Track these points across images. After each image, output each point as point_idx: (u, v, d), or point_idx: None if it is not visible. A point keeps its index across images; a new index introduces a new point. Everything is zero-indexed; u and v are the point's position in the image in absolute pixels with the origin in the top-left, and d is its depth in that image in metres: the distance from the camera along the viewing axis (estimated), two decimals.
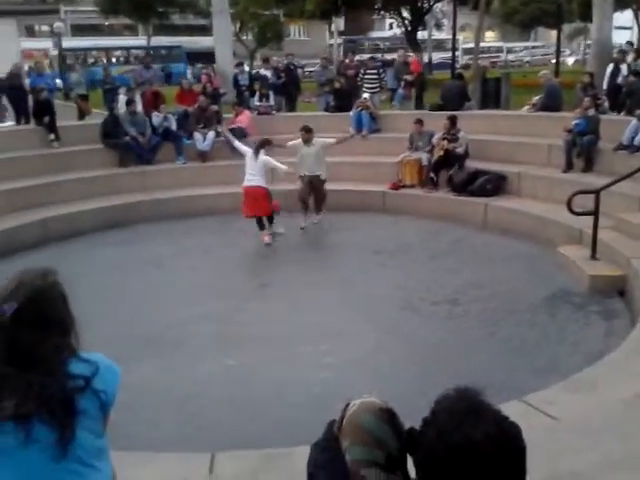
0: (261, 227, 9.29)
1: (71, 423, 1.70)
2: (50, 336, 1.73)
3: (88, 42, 40.24)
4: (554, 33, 37.95)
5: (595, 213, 7.44)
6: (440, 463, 1.22)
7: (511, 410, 1.30)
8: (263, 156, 9.05)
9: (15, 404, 1.66)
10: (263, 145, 9.23)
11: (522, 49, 48.36)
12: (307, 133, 9.75)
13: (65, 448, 1.69)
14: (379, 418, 1.49)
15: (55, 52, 32.99)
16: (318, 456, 1.60)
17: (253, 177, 8.99)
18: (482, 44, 44.12)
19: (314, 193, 9.95)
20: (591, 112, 10.12)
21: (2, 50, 45.98)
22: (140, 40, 42.98)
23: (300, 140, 9.82)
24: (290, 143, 10.01)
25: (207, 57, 23.44)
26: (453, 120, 10.92)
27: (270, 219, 9.30)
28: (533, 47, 49.52)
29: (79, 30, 52.80)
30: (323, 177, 9.94)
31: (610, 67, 13.16)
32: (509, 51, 46.82)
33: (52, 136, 11.60)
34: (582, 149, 9.91)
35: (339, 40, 34.23)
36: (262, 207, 9.09)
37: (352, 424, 1.50)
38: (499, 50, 46.11)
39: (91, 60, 36.04)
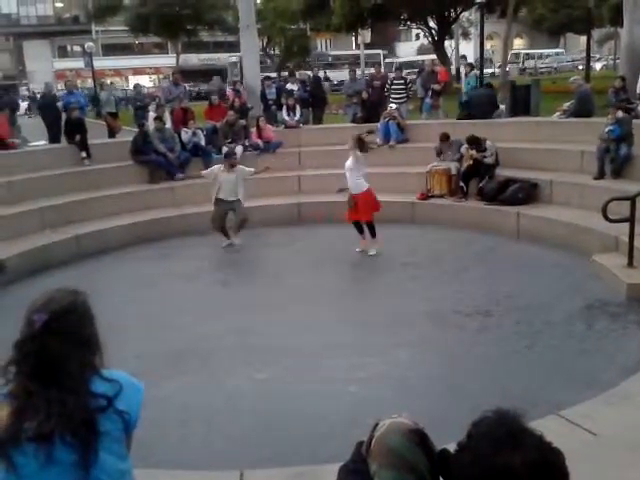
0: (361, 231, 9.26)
1: (93, 444, 1.67)
2: (76, 351, 1.73)
3: None
4: (583, 39, 37.51)
5: (631, 220, 7.26)
6: None
7: (548, 425, 1.22)
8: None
9: (37, 424, 1.63)
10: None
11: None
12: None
13: (87, 471, 1.66)
14: (409, 440, 1.42)
15: None
16: (346, 479, 1.54)
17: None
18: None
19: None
20: (620, 114, 9.88)
21: (37, 71, 47.19)
22: None
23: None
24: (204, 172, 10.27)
25: None
26: (471, 141, 10.73)
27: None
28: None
29: (110, 49, 54.06)
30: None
31: None
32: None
33: (83, 154, 11.79)
34: (616, 157, 9.67)
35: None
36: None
37: (381, 446, 1.44)
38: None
39: None
